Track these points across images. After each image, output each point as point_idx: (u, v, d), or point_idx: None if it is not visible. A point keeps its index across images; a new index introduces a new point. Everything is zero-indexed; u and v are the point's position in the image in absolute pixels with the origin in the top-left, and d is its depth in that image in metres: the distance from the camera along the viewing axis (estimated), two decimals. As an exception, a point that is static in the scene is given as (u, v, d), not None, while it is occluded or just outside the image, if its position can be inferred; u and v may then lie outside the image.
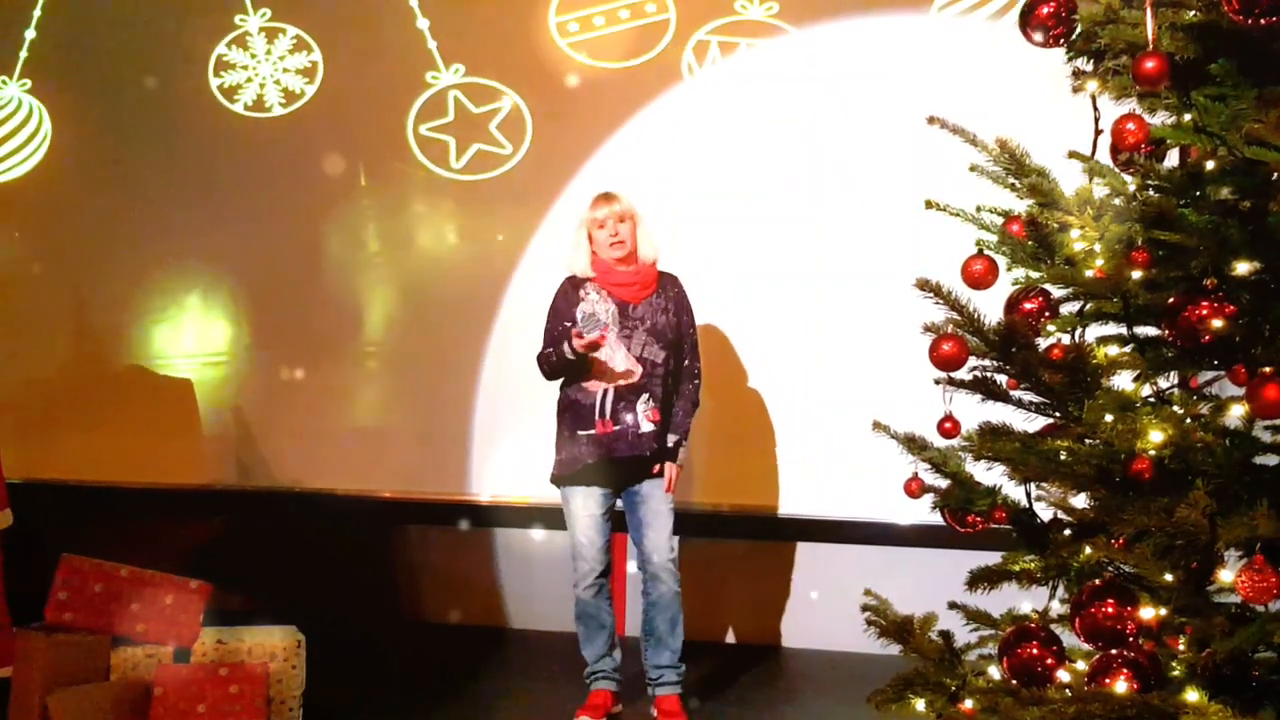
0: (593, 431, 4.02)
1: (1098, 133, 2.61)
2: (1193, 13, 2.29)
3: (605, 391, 4.03)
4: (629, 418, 4.01)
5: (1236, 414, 2.26)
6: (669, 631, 4.11)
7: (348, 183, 5.63)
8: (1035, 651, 2.30)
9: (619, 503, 4.18)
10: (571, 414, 4.10)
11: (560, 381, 4.17)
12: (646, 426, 4.02)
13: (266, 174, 5.70)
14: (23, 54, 5.89)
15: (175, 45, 5.80)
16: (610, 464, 4.04)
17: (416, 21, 5.52)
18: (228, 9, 5.72)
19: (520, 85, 5.45)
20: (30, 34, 5.89)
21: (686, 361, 4.18)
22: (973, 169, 2.67)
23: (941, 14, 5.04)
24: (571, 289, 4.16)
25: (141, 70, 5.82)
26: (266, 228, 5.70)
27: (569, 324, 4.09)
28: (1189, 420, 2.31)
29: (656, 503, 4.08)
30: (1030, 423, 2.55)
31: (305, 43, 5.67)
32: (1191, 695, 2.13)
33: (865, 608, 2.80)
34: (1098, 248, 2.43)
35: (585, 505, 4.09)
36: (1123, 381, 2.52)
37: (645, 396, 4.03)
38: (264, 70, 5.70)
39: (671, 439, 4.10)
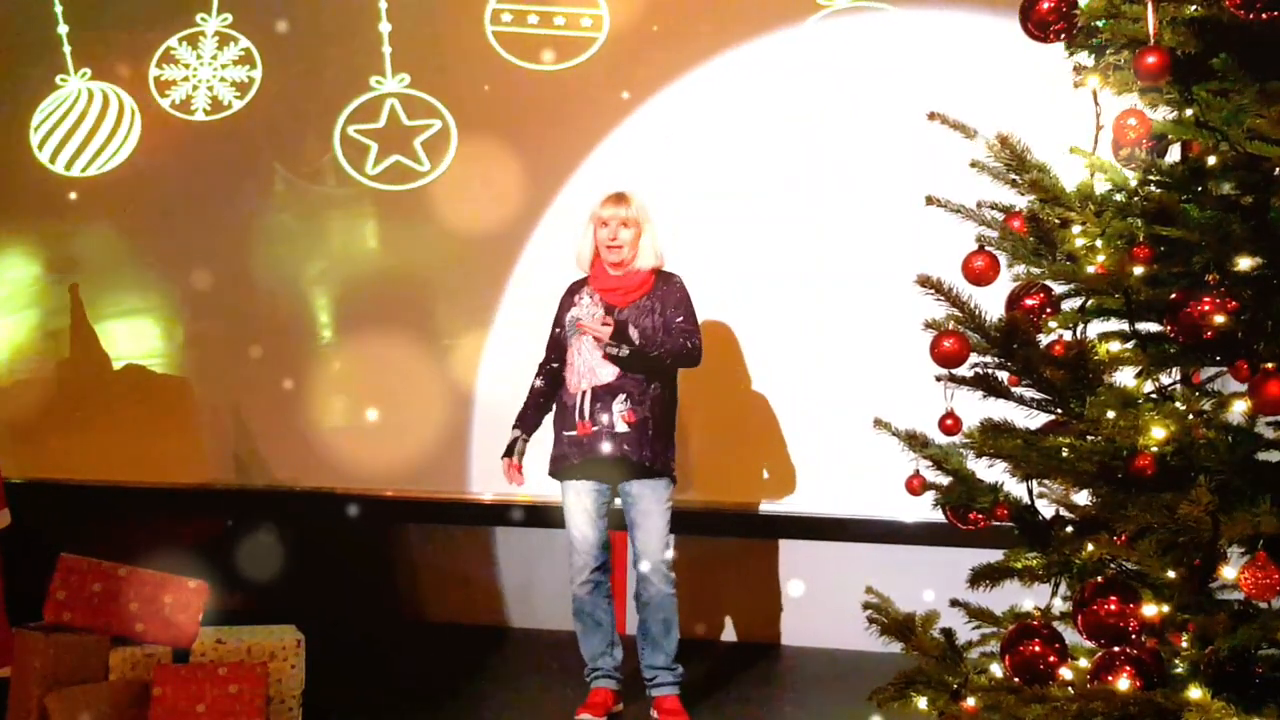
0: (574, 432, 4.04)
1: (1099, 128, 2.61)
2: (1194, 7, 2.28)
3: (584, 393, 4.04)
4: (605, 418, 4.02)
5: (1239, 410, 2.25)
6: (663, 633, 4.10)
7: (344, 181, 5.62)
8: (1037, 649, 2.29)
9: (618, 501, 4.18)
10: (559, 415, 4.15)
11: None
12: (621, 426, 4.01)
13: (248, 168, 5.71)
14: (67, 49, 5.85)
15: (146, 29, 5.81)
16: (593, 462, 4.05)
17: (380, 23, 5.50)
18: (192, 4, 5.72)
19: (457, 108, 5.45)
20: (64, 29, 5.87)
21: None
22: (974, 165, 2.66)
23: (939, 9, 5.03)
24: (568, 295, 4.22)
25: (131, 57, 5.82)
26: (263, 227, 5.70)
27: (559, 329, 4.18)
28: (1191, 416, 2.30)
29: (646, 503, 4.07)
30: (1032, 419, 2.54)
31: (251, 57, 5.67)
32: (1194, 692, 2.12)
33: (867, 605, 2.80)
34: (1099, 243, 2.43)
35: (578, 500, 4.10)
36: (1125, 378, 2.51)
37: (621, 397, 4.03)
38: (203, 74, 5.69)
39: (633, 332, 4.01)
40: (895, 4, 5.09)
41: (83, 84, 5.85)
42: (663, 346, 4.04)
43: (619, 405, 4.03)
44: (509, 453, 4.20)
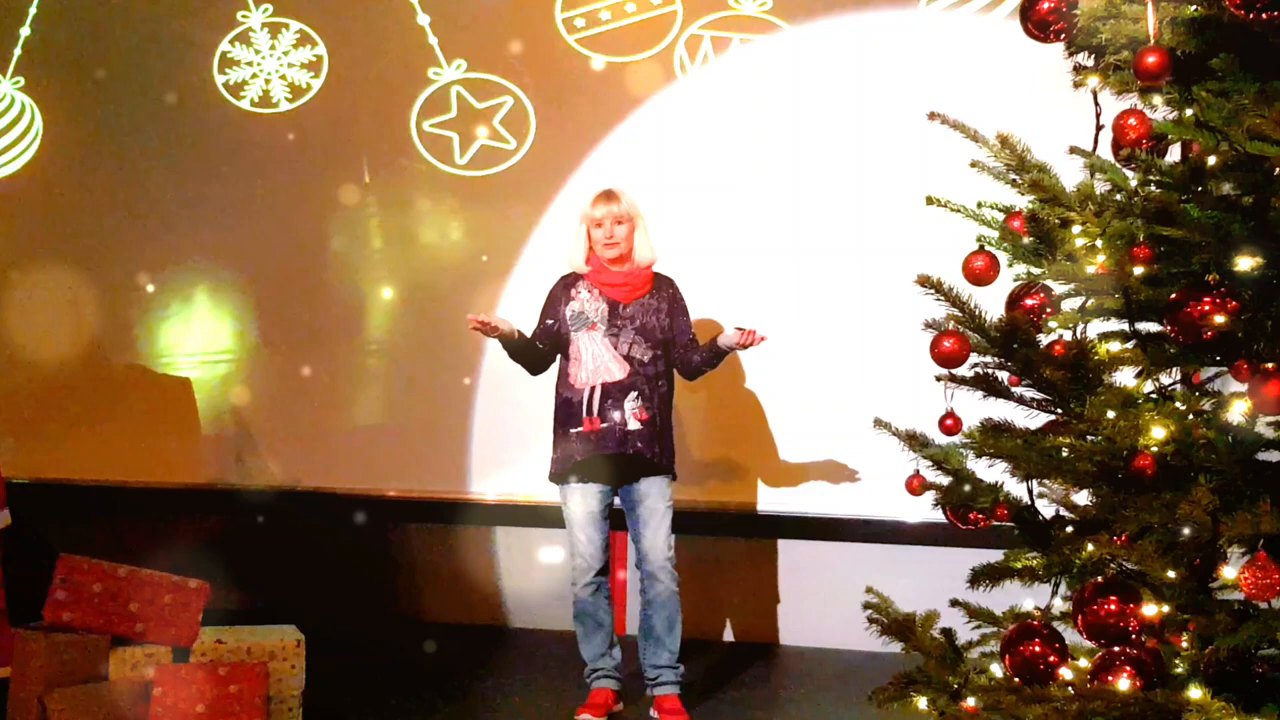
0: (580, 429, 4.03)
1: (1099, 128, 2.61)
2: (1194, 7, 2.28)
3: (593, 389, 4.04)
4: (616, 415, 4.01)
5: (1239, 410, 2.25)
6: (666, 632, 4.10)
7: (353, 180, 5.62)
8: (1038, 649, 2.30)
9: (618, 501, 4.18)
10: (563, 412, 4.12)
11: (555, 380, 4.19)
12: (633, 424, 4.01)
13: (273, 171, 5.69)
14: (17, 51, 5.87)
15: (175, 42, 5.79)
16: (601, 461, 4.04)
17: (416, 17, 5.51)
18: (229, 5, 5.71)
19: (523, 80, 5.44)
20: (25, 31, 5.88)
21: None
22: (974, 165, 2.66)
23: (940, 10, 5.03)
24: (563, 289, 4.19)
25: (141, 68, 5.81)
26: (270, 225, 5.70)
27: (551, 321, 4.15)
28: (1191, 417, 2.31)
29: (653, 501, 4.08)
30: (1032, 419, 2.55)
31: (309, 37, 5.66)
32: (1194, 692, 2.13)
33: (867, 605, 2.80)
34: (1099, 243, 2.43)
35: (583, 502, 4.09)
36: (1125, 378, 2.51)
37: (633, 394, 4.03)
38: (269, 66, 5.69)
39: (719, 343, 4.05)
40: (892, 5, 5.09)
41: (11, 90, 5.87)
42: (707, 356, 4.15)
43: (631, 403, 4.02)
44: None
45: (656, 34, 5.30)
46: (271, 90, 5.68)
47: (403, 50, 5.54)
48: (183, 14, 5.79)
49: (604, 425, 4.01)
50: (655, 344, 4.09)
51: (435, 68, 5.48)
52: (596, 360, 4.05)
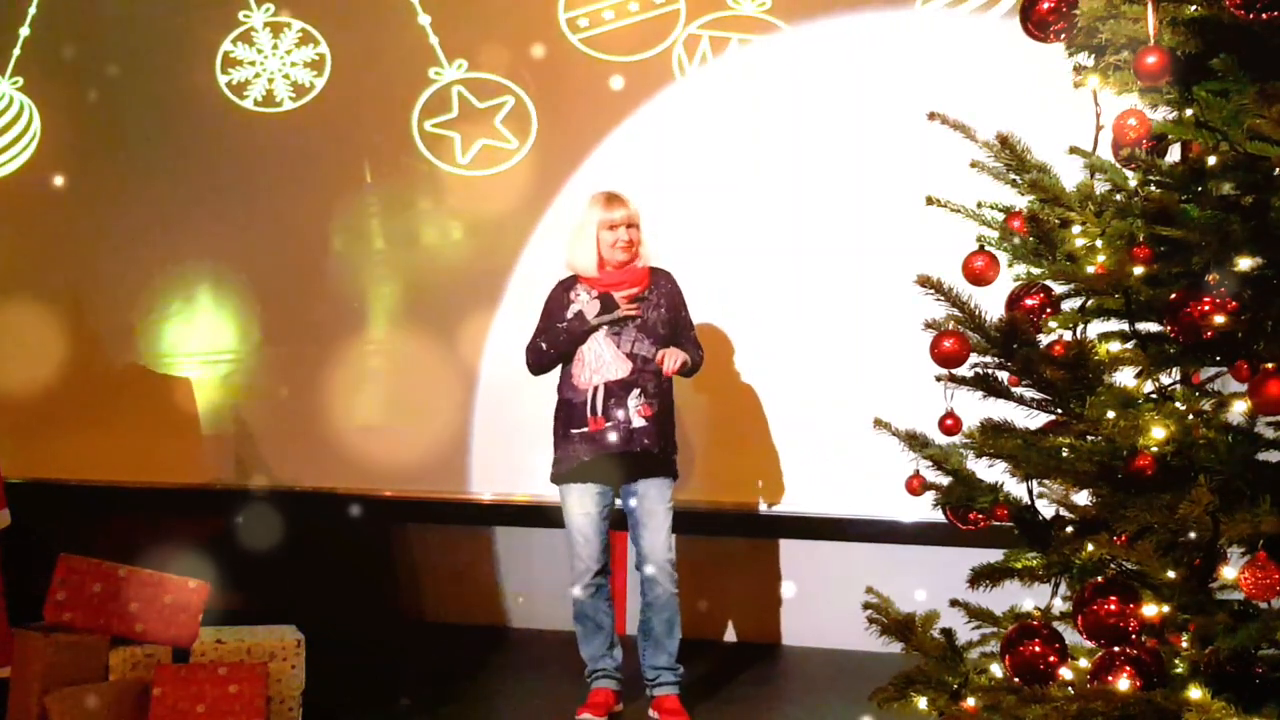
0: (585, 429, 4.03)
1: (1099, 128, 2.61)
2: (1194, 7, 2.28)
3: (596, 389, 4.03)
4: (620, 414, 4.01)
5: (1239, 410, 2.25)
6: (666, 633, 4.10)
7: (355, 180, 5.62)
8: (1038, 649, 2.29)
9: (619, 502, 4.18)
10: (565, 413, 4.11)
11: (555, 382, 4.19)
12: (638, 422, 4.01)
13: (275, 171, 5.69)
14: (16, 51, 5.87)
15: (177, 42, 5.79)
16: (604, 460, 4.04)
17: (417, 18, 5.50)
18: (230, 5, 5.70)
19: (524, 80, 5.44)
20: (25, 31, 5.87)
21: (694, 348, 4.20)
22: (974, 165, 2.66)
23: (939, 10, 5.03)
24: (562, 291, 4.19)
25: (143, 68, 5.82)
26: (271, 226, 5.70)
27: (559, 324, 4.13)
28: (1191, 417, 2.30)
29: (652, 502, 4.07)
30: (1032, 419, 2.54)
31: (311, 36, 5.66)
32: (1194, 693, 2.12)
33: (867, 605, 2.80)
34: (1099, 244, 2.43)
35: (581, 503, 4.09)
36: (1125, 378, 2.51)
37: (636, 392, 4.03)
38: (271, 65, 5.68)
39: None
40: (891, 5, 5.08)
41: (10, 90, 5.87)
42: (693, 360, 4.13)
43: (634, 400, 4.02)
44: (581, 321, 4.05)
45: (659, 33, 5.28)
46: (275, 89, 5.67)
47: (403, 50, 5.53)
48: (184, 14, 5.79)
49: (608, 424, 4.01)
50: (658, 339, 4.09)
51: (436, 67, 5.47)
52: (599, 360, 4.05)
